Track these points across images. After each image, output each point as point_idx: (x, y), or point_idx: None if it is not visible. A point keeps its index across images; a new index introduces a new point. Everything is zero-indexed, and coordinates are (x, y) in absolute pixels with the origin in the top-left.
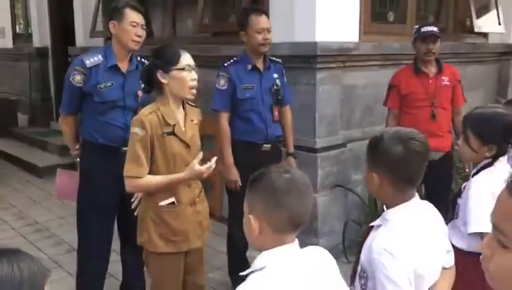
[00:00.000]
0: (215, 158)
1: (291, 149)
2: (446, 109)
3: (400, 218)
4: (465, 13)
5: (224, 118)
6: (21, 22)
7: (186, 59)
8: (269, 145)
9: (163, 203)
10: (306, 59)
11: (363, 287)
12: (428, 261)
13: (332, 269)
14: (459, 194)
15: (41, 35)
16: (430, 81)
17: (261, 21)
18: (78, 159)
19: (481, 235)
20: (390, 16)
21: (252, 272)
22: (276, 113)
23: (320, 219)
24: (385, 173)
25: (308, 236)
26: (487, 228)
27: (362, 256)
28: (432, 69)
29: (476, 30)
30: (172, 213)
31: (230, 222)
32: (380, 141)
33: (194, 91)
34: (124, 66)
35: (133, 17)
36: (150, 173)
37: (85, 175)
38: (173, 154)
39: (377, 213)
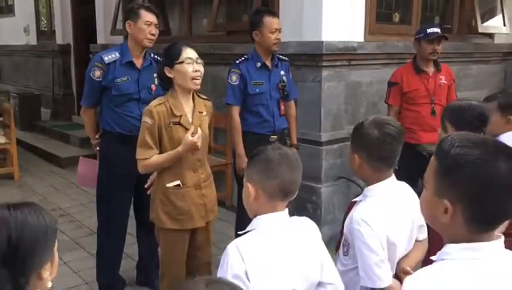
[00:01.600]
0: (192, 127)
1: (295, 141)
2: (443, 106)
3: (377, 193)
4: (470, 14)
5: (236, 111)
6: (45, 19)
7: (186, 53)
8: (276, 137)
9: (170, 185)
10: (312, 57)
11: (345, 254)
12: (400, 231)
13: (315, 235)
14: None
15: (64, 33)
16: (430, 79)
17: (275, 22)
18: (98, 148)
19: None
20: (396, 17)
21: (247, 232)
22: (282, 107)
23: (324, 208)
24: (364, 154)
25: None
26: None
27: (345, 227)
28: (431, 68)
29: (480, 31)
30: (177, 194)
31: (239, 207)
32: (361, 126)
33: (197, 81)
34: (138, 62)
35: (147, 17)
36: None
37: (104, 162)
38: (179, 142)
39: None
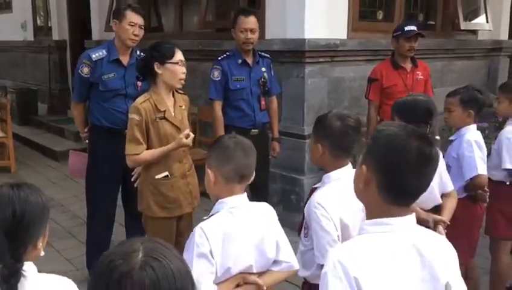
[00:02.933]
0: (187, 130)
1: (276, 134)
2: None
3: (334, 179)
4: (454, 12)
5: (218, 105)
6: (41, 15)
7: (179, 55)
8: (257, 130)
9: (158, 176)
10: (296, 54)
11: (305, 235)
12: (353, 213)
13: (272, 218)
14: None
15: (60, 29)
16: (408, 75)
17: (246, 21)
18: (87, 141)
19: None
20: (380, 15)
21: (211, 215)
22: (263, 102)
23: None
24: (327, 144)
25: (295, 214)
26: None
27: (305, 211)
28: (408, 65)
29: (462, 28)
30: (166, 185)
31: None
32: (324, 119)
33: (183, 82)
34: (125, 60)
35: (132, 17)
36: None
37: (92, 154)
38: (166, 135)
39: None
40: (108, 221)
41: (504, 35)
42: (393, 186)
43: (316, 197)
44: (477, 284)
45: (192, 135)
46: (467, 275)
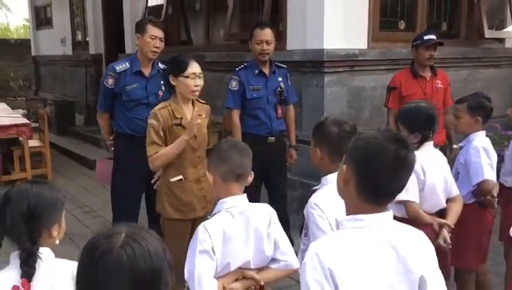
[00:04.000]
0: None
1: (293, 142)
2: (440, 109)
3: (332, 181)
4: (478, 20)
5: (236, 114)
6: (80, 31)
7: (192, 68)
8: (273, 138)
9: (173, 179)
10: (315, 64)
11: (305, 235)
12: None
13: (272, 218)
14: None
15: (96, 44)
16: (427, 84)
17: (261, 34)
18: (113, 148)
19: (404, 203)
20: (402, 24)
21: (213, 215)
22: (279, 111)
23: None
24: (325, 148)
25: None
26: (409, 197)
27: (304, 212)
28: (427, 73)
29: (487, 36)
30: (180, 188)
31: None
32: (322, 125)
33: (196, 93)
34: (146, 71)
35: (153, 31)
36: None
37: (117, 160)
38: None
39: None
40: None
41: None
42: (369, 186)
43: (314, 198)
44: (487, 289)
45: (195, 117)
46: (477, 280)
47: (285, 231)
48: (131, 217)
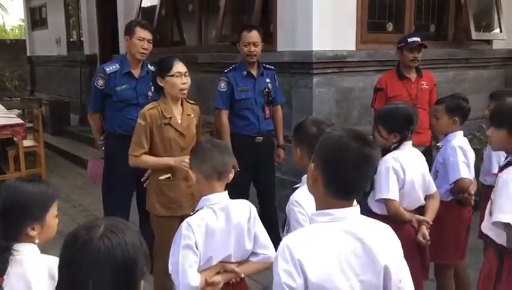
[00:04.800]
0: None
1: (281, 142)
2: (425, 109)
3: None
4: (466, 22)
5: (225, 114)
6: (74, 32)
7: (177, 67)
8: (262, 138)
9: (162, 177)
10: (304, 65)
11: (287, 231)
12: None
13: (252, 214)
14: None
15: (90, 44)
16: (412, 85)
17: (248, 36)
18: (104, 148)
19: (385, 201)
20: (390, 26)
21: (196, 211)
22: (267, 111)
23: None
24: (304, 148)
25: None
26: (389, 195)
27: (286, 208)
28: (413, 75)
29: (474, 38)
30: (168, 186)
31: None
32: (302, 125)
33: (184, 91)
34: (136, 72)
35: (141, 33)
36: (151, 154)
37: (108, 160)
38: (169, 139)
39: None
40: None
41: None
42: (336, 182)
43: (295, 196)
44: (466, 285)
45: (185, 159)
46: (456, 275)
47: (274, 229)
48: (122, 215)
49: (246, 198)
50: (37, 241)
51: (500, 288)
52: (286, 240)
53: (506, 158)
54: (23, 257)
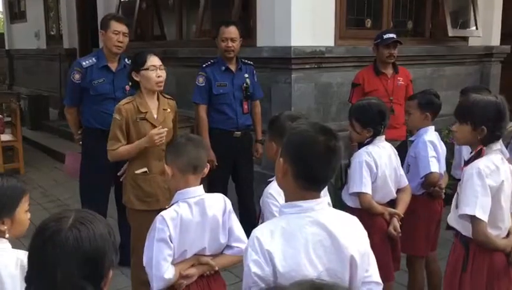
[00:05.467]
0: (159, 127)
1: (259, 137)
2: (401, 105)
3: None
4: (442, 19)
5: (203, 109)
6: (54, 25)
7: (151, 61)
8: (240, 132)
9: (138, 171)
10: (283, 61)
11: (261, 223)
12: None
13: (227, 207)
14: (349, 165)
15: (70, 38)
16: (389, 80)
17: (226, 31)
18: (81, 142)
19: (358, 194)
20: (368, 23)
21: (171, 205)
22: (245, 106)
23: None
24: (280, 142)
25: None
26: (362, 189)
27: (260, 201)
28: (389, 71)
29: (450, 35)
30: (145, 180)
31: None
32: (277, 119)
33: (160, 84)
34: (113, 66)
35: (116, 26)
36: None
37: (86, 154)
38: (145, 134)
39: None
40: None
41: (496, 41)
42: (305, 174)
43: (268, 188)
44: (437, 275)
45: (163, 133)
46: (428, 266)
47: (252, 224)
48: (99, 209)
49: (225, 192)
50: (7, 235)
51: (466, 278)
52: (256, 232)
53: (471, 152)
54: None
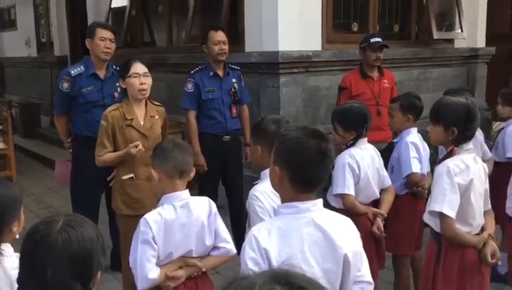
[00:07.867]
0: (139, 142)
1: (248, 140)
2: (387, 107)
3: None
4: (427, 22)
5: (192, 115)
6: (44, 33)
7: (134, 68)
8: (229, 137)
9: (125, 177)
10: (271, 66)
11: (249, 225)
12: None
13: (212, 210)
14: (333, 167)
15: (61, 45)
16: (375, 83)
17: (217, 35)
18: (71, 150)
19: (341, 196)
20: (355, 27)
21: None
22: (234, 111)
23: None
24: (264, 145)
25: None
26: (345, 190)
27: (246, 203)
28: (375, 74)
29: (435, 37)
30: (132, 185)
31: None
32: (261, 123)
33: (144, 92)
34: (101, 73)
35: (102, 33)
36: None
37: (76, 162)
38: (131, 140)
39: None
40: (92, 221)
41: (481, 43)
42: (301, 179)
43: (253, 190)
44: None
45: (140, 147)
46: (413, 265)
47: (242, 226)
48: (91, 215)
49: (215, 196)
50: (17, 236)
51: (438, 273)
52: (253, 231)
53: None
54: (5, 257)
